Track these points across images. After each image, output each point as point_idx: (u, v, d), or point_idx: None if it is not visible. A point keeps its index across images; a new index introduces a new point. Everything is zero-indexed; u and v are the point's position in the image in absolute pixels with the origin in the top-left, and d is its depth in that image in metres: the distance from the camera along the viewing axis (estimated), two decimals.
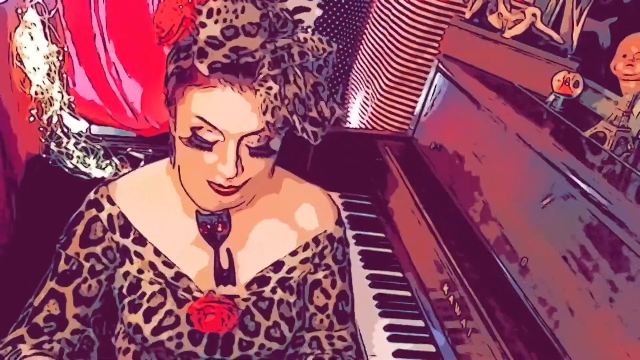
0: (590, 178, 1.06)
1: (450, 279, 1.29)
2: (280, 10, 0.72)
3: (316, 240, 0.94)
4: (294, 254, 0.93)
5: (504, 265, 1.24)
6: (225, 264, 0.89)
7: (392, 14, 2.12)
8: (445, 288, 1.30)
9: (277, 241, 0.92)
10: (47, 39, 1.74)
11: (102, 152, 1.95)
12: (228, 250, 0.89)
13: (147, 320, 0.86)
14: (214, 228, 0.88)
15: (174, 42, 0.73)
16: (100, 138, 2.00)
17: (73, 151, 1.89)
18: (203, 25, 0.69)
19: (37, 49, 1.70)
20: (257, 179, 0.79)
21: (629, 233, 0.94)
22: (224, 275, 0.88)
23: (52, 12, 1.76)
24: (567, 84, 1.39)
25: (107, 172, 1.91)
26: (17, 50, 1.64)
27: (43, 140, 1.83)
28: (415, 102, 1.89)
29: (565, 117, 1.36)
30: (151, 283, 0.87)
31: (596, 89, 1.43)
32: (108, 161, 1.94)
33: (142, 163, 1.97)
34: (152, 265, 0.88)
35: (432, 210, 1.48)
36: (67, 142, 1.89)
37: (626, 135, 1.20)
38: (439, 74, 1.69)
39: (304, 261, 0.93)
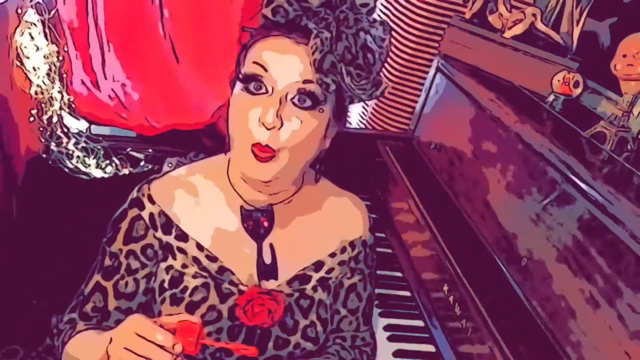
0: (590, 178, 1.06)
1: (450, 279, 1.29)
2: None
3: (352, 245, 0.99)
4: (332, 255, 0.96)
5: (504, 265, 1.24)
6: (267, 259, 0.91)
7: (392, 14, 2.12)
8: (445, 288, 1.30)
9: (318, 242, 0.96)
10: (47, 39, 1.74)
11: (102, 152, 1.95)
12: (271, 246, 0.92)
13: (189, 313, 0.87)
14: (257, 223, 0.91)
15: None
16: (100, 138, 2.00)
17: (73, 151, 1.89)
18: None
19: (37, 49, 1.71)
20: (293, 151, 0.81)
21: (629, 233, 0.94)
22: (267, 270, 0.91)
23: (52, 12, 1.76)
24: (567, 84, 1.40)
25: (107, 172, 1.91)
26: (17, 50, 1.64)
27: (43, 140, 1.83)
28: (415, 102, 1.89)
29: (565, 117, 1.36)
30: (194, 277, 0.89)
31: (596, 89, 1.43)
32: (108, 161, 1.94)
33: (142, 163, 1.98)
34: (195, 260, 0.90)
35: (432, 210, 1.48)
36: (67, 142, 1.89)
37: (626, 135, 1.20)
38: (439, 74, 1.69)
39: (341, 263, 0.97)
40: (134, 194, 0.92)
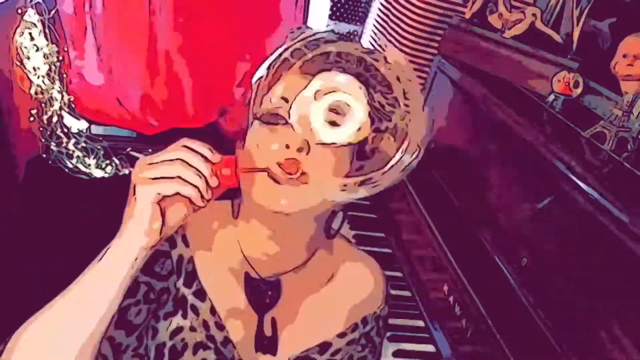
0: (590, 178, 1.06)
1: (450, 279, 1.29)
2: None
3: (364, 321, 0.90)
4: (341, 335, 0.88)
5: (504, 265, 1.24)
6: (268, 332, 0.84)
7: (392, 14, 2.12)
8: (445, 288, 1.30)
9: (326, 320, 0.88)
10: (47, 39, 1.74)
11: (102, 152, 1.95)
12: (273, 320, 0.84)
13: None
14: (261, 296, 0.83)
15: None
16: (100, 138, 2.00)
17: (73, 151, 1.89)
18: (288, 46, 0.74)
19: (37, 49, 1.71)
20: (318, 179, 0.72)
21: (629, 233, 0.94)
22: (266, 344, 0.83)
23: (52, 12, 1.76)
24: (567, 84, 1.39)
25: (107, 172, 1.91)
26: (17, 50, 1.64)
27: (43, 140, 1.84)
28: None
29: (565, 117, 1.36)
30: (199, 346, 0.80)
31: (596, 89, 1.43)
32: (108, 161, 1.94)
33: None
34: (205, 325, 0.81)
35: (432, 210, 1.48)
36: (67, 142, 1.89)
37: (626, 135, 1.20)
38: (439, 74, 1.69)
39: (350, 343, 0.89)
40: None
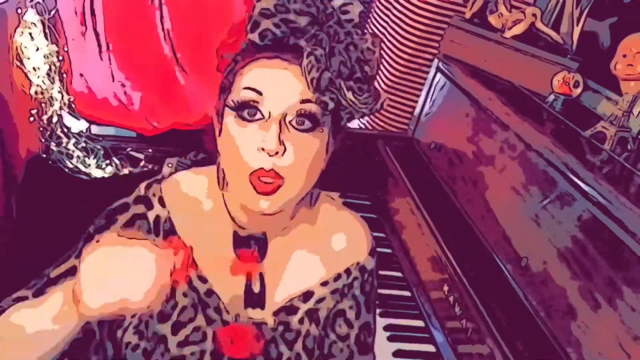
0: (590, 178, 1.06)
1: (450, 279, 1.29)
2: (327, 3, 0.76)
3: (347, 271, 0.92)
4: (324, 284, 0.90)
5: (504, 265, 1.24)
6: (256, 288, 0.86)
7: (392, 14, 2.12)
8: (445, 288, 1.30)
9: (309, 270, 0.90)
10: (47, 39, 1.74)
11: (102, 152, 1.95)
12: (261, 275, 0.87)
13: (174, 332, 0.84)
14: (249, 251, 0.86)
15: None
16: (100, 138, 2.00)
17: (73, 151, 1.89)
18: (259, 0, 0.73)
19: (37, 49, 1.71)
20: (296, 179, 0.76)
21: (629, 233, 0.94)
22: (254, 299, 0.86)
23: (52, 12, 1.76)
24: (567, 84, 1.40)
25: (107, 172, 1.91)
26: (17, 50, 1.64)
27: (43, 140, 1.83)
28: (415, 102, 1.89)
29: (565, 117, 1.36)
30: (184, 295, 0.84)
31: (596, 89, 1.43)
32: (108, 161, 1.94)
33: (142, 163, 1.97)
34: (187, 279, 0.84)
35: (432, 210, 1.48)
36: (67, 142, 1.89)
37: (626, 135, 1.20)
38: (439, 74, 1.69)
39: (334, 292, 0.91)
40: (142, 190, 0.86)
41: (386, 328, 1.37)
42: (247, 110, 0.74)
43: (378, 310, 1.41)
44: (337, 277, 0.91)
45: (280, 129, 0.73)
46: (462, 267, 1.28)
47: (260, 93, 0.73)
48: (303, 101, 0.73)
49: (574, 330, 1.02)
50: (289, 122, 0.74)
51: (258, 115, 0.74)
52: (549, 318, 1.08)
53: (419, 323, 1.41)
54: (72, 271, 0.83)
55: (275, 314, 0.88)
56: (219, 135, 0.79)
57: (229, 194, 0.85)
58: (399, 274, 1.55)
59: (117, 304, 0.65)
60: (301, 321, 0.89)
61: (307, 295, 0.89)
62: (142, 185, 0.87)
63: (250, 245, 0.85)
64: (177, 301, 0.85)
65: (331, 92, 0.73)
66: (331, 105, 0.74)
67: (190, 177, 0.90)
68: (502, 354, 1.08)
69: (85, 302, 0.65)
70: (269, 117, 0.74)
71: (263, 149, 0.72)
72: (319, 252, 0.91)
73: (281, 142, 0.72)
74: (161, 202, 0.85)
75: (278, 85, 0.74)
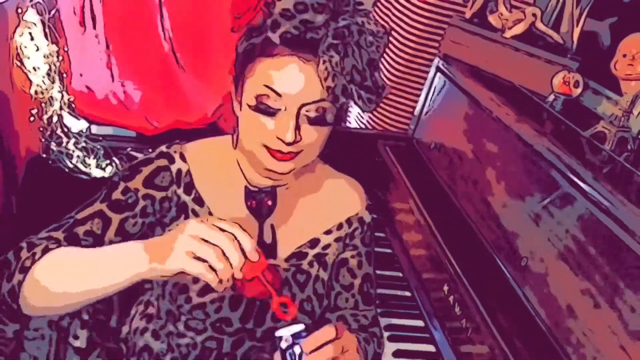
0: (590, 178, 1.06)
1: (450, 279, 1.29)
2: None
3: (348, 221, 1.02)
4: (328, 232, 1.00)
5: (504, 265, 1.24)
6: (268, 239, 0.95)
7: (392, 14, 2.12)
8: (445, 288, 1.30)
9: (314, 220, 1.00)
10: (47, 38, 1.74)
11: (102, 152, 1.95)
12: (272, 226, 0.95)
13: (195, 280, 0.89)
14: (260, 203, 0.94)
15: (247, 24, 0.84)
16: (100, 138, 2.00)
17: (73, 151, 1.89)
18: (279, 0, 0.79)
19: (37, 48, 1.71)
20: (310, 151, 0.86)
21: (629, 233, 0.94)
22: (267, 250, 0.93)
23: (52, 12, 1.76)
24: (567, 83, 1.39)
25: (107, 172, 1.91)
26: (17, 50, 1.64)
27: (43, 140, 1.83)
28: (415, 102, 1.89)
29: (565, 117, 1.36)
30: None
31: (596, 89, 1.43)
32: (108, 161, 1.94)
33: None
34: None
35: (432, 210, 1.48)
36: (67, 142, 1.89)
37: (626, 135, 1.20)
38: (439, 74, 1.69)
39: (337, 240, 1.01)
40: (164, 148, 0.94)
41: (386, 328, 1.37)
42: (265, 105, 0.82)
43: (378, 311, 1.41)
44: (340, 227, 1.01)
45: (297, 123, 0.81)
46: (462, 267, 1.28)
47: (278, 94, 0.80)
48: (318, 100, 0.81)
49: (574, 330, 1.02)
50: (303, 114, 0.82)
51: (272, 111, 0.82)
52: (549, 318, 1.08)
53: (419, 323, 1.41)
54: (99, 214, 0.89)
55: (287, 260, 0.96)
56: (240, 109, 0.87)
57: (241, 154, 0.93)
58: (399, 274, 1.55)
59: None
60: (310, 264, 0.97)
61: (313, 243, 0.99)
62: (162, 146, 0.95)
63: (262, 198, 0.94)
64: None
65: (343, 95, 0.80)
66: (342, 100, 0.82)
67: (208, 141, 0.99)
68: (502, 354, 1.08)
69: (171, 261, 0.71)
70: (285, 110, 0.81)
71: (279, 138, 0.81)
72: (322, 204, 1.01)
73: (298, 134, 0.81)
74: (182, 157, 0.93)
75: (295, 85, 0.80)
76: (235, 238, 0.72)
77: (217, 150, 0.98)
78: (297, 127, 0.81)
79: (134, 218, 0.90)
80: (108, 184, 0.93)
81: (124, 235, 0.90)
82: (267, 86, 0.81)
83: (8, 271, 0.81)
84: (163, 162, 0.92)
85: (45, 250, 0.81)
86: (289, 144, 0.82)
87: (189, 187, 0.93)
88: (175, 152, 0.93)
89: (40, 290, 0.79)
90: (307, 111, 0.82)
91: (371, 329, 1.05)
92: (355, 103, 0.81)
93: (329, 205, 1.01)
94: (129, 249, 0.76)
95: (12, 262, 0.82)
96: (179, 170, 0.92)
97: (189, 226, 0.71)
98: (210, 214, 0.93)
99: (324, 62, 0.77)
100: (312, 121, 0.83)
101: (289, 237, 0.97)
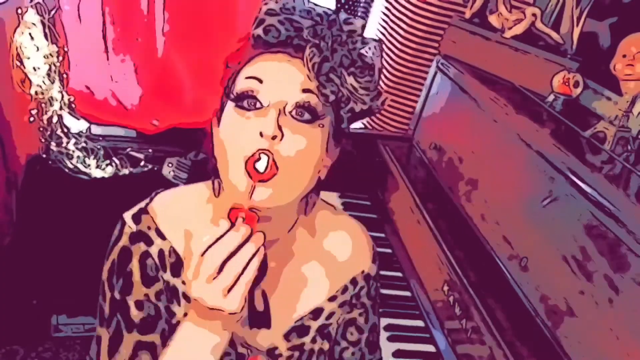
0: (590, 178, 1.06)
1: (450, 279, 1.29)
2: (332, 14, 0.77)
3: (354, 281, 0.91)
4: (332, 298, 0.89)
5: (504, 265, 1.24)
6: (260, 307, 0.83)
7: (392, 14, 2.12)
8: (445, 288, 1.30)
9: (315, 285, 0.88)
10: (47, 39, 1.74)
11: (102, 152, 1.95)
12: (263, 293, 0.83)
13: None
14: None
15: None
16: (100, 138, 2.00)
17: (73, 151, 1.89)
18: (266, 3, 0.75)
19: (37, 49, 1.71)
20: (295, 171, 0.73)
21: (629, 233, 0.94)
22: (259, 319, 0.83)
23: (52, 12, 1.76)
24: (567, 83, 1.39)
25: (107, 172, 1.91)
26: (17, 50, 1.64)
27: (43, 140, 1.83)
28: (415, 102, 1.89)
29: (565, 117, 1.36)
30: None
31: (596, 89, 1.43)
32: (108, 161, 1.94)
33: (142, 163, 1.97)
34: None
35: (432, 211, 1.48)
36: (67, 142, 1.89)
37: (626, 135, 1.20)
38: (439, 74, 1.69)
39: (342, 305, 0.91)
40: (132, 226, 0.80)
41: (386, 328, 1.37)
42: (247, 100, 0.73)
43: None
44: (344, 290, 0.90)
45: (279, 115, 0.71)
46: (462, 267, 1.28)
47: (260, 81, 0.73)
48: (304, 91, 0.73)
49: (574, 330, 1.02)
50: (289, 112, 0.73)
51: (257, 105, 0.73)
52: (549, 318, 1.08)
53: (419, 323, 1.41)
54: (142, 346, 0.80)
55: (286, 336, 0.86)
56: (217, 126, 0.77)
57: (224, 200, 0.81)
58: (399, 274, 1.55)
59: None
60: (313, 340, 0.88)
61: (316, 313, 0.88)
62: (128, 219, 0.81)
63: None
64: None
65: (332, 83, 0.73)
66: (332, 97, 0.73)
67: (178, 196, 0.86)
68: (502, 354, 1.08)
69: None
70: (268, 105, 0.72)
71: (261, 134, 0.70)
72: (322, 265, 0.88)
73: (279, 128, 0.70)
74: (159, 234, 0.80)
75: (279, 74, 0.73)
76: None
77: (194, 201, 0.85)
78: (279, 125, 0.70)
79: (167, 324, 0.82)
80: (113, 306, 0.80)
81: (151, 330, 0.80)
82: (248, 77, 0.74)
83: None
84: (140, 247, 0.79)
85: None
86: (271, 139, 0.70)
87: (177, 267, 0.80)
88: (148, 228, 0.80)
89: None
90: (291, 109, 0.73)
91: None
92: (346, 85, 0.74)
93: (331, 265, 0.89)
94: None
95: None
96: (161, 252, 0.80)
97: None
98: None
99: (311, 45, 0.72)
100: (297, 116, 0.73)
101: (286, 306, 0.86)
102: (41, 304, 1.73)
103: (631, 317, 0.92)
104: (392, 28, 2.11)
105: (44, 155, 1.84)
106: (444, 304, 1.31)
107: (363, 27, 0.79)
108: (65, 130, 1.90)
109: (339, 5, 2.21)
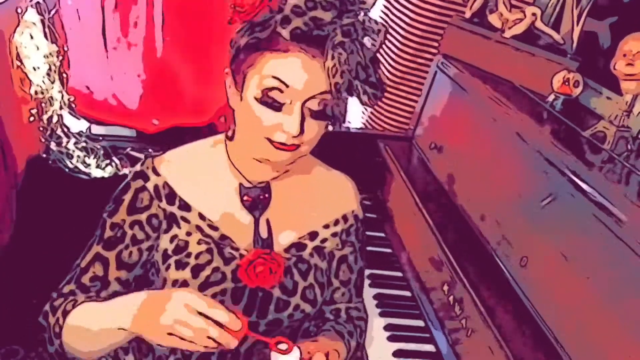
0: (590, 178, 1.06)
1: (450, 279, 1.29)
2: None
3: (344, 217, 1.04)
4: (326, 226, 1.01)
5: (504, 265, 1.24)
6: (264, 234, 0.96)
7: (392, 14, 2.12)
8: (445, 288, 1.30)
9: (312, 214, 1.01)
10: (47, 38, 1.74)
11: (102, 152, 1.95)
12: (267, 221, 0.96)
13: (194, 276, 0.91)
14: (256, 198, 0.95)
15: (249, 19, 0.84)
16: (100, 138, 2.00)
17: (73, 151, 1.89)
18: None
19: (37, 48, 1.71)
20: (309, 144, 0.87)
21: (629, 233, 0.94)
22: (263, 244, 0.95)
23: (52, 12, 1.76)
24: (567, 83, 1.40)
25: (107, 172, 1.91)
26: (17, 50, 1.64)
27: (43, 140, 1.83)
28: (415, 102, 1.89)
29: (565, 117, 1.36)
30: (199, 243, 0.93)
31: (596, 89, 1.43)
32: (108, 161, 1.94)
33: None
34: (199, 228, 0.93)
35: (432, 210, 1.48)
36: (67, 142, 1.89)
37: (626, 135, 1.20)
38: (439, 74, 1.69)
39: (334, 235, 1.02)
40: (137, 167, 0.95)
41: (386, 328, 1.37)
42: (272, 100, 0.82)
43: (378, 310, 1.41)
44: (336, 222, 1.03)
45: (302, 116, 0.82)
46: (462, 267, 1.28)
47: (286, 85, 0.81)
48: (323, 92, 0.82)
49: (574, 330, 1.02)
50: (307, 108, 0.83)
51: (280, 102, 0.82)
52: (549, 318, 1.08)
53: (419, 323, 1.41)
54: (97, 257, 0.94)
55: (286, 250, 0.97)
56: (240, 100, 0.87)
57: (236, 150, 0.94)
58: (399, 274, 1.55)
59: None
60: (311, 254, 0.99)
61: (312, 235, 1.00)
62: (138, 164, 0.96)
63: (257, 193, 0.95)
64: (191, 250, 0.93)
65: (349, 92, 0.82)
66: (345, 95, 0.82)
67: (182, 148, 1.00)
68: (502, 354, 1.08)
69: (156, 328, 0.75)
70: (291, 104, 0.82)
71: (284, 131, 0.82)
72: (318, 199, 1.02)
73: (302, 127, 0.82)
74: (155, 171, 0.94)
75: (303, 78, 0.81)
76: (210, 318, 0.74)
77: (196, 153, 0.99)
78: (302, 121, 0.83)
79: (127, 249, 0.93)
80: (100, 223, 0.95)
81: (126, 267, 0.94)
82: (275, 78, 0.82)
83: (47, 336, 0.92)
84: (139, 183, 0.94)
85: (65, 314, 0.89)
86: (293, 137, 0.83)
87: (171, 197, 0.93)
88: (147, 168, 0.94)
89: (76, 350, 0.90)
90: (310, 105, 0.83)
91: (358, 321, 1.08)
92: (359, 98, 0.82)
93: (325, 200, 1.03)
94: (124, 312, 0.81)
95: (45, 326, 0.92)
96: (156, 186, 0.93)
97: (172, 306, 0.74)
98: (201, 215, 0.94)
99: (332, 58, 0.79)
100: (313, 115, 0.84)
101: (286, 230, 0.98)
102: (41, 304, 1.73)
103: (631, 317, 0.92)
104: (392, 28, 2.11)
105: (44, 155, 1.83)
106: (444, 304, 1.31)
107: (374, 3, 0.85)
108: (65, 130, 1.90)
109: None
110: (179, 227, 0.93)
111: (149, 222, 0.93)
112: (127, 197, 0.93)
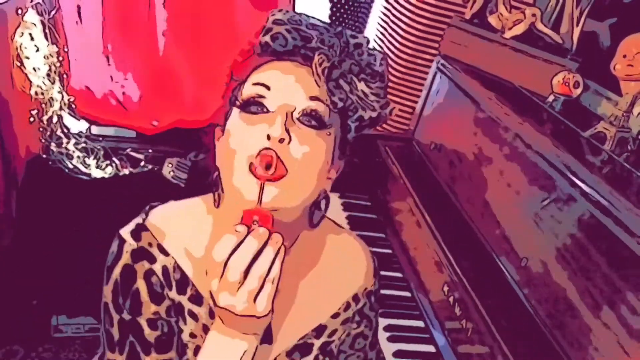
0: (590, 178, 1.06)
1: (450, 279, 1.29)
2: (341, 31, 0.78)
3: (356, 298, 0.91)
4: (335, 316, 0.88)
5: (504, 265, 1.24)
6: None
7: (392, 14, 2.12)
8: (445, 288, 1.30)
9: (318, 302, 0.87)
10: (47, 39, 1.74)
11: (102, 152, 1.95)
12: None
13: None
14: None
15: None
16: (100, 138, 2.01)
17: (73, 151, 1.89)
18: (273, 14, 0.76)
19: (37, 49, 1.71)
20: (301, 174, 0.72)
21: (629, 233, 0.94)
22: (261, 343, 0.79)
23: (52, 13, 1.76)
24: (567, 84, 1.40)
25: (107, 173, 1.91)
26: (17, 50, 1.64)
27: (43, 140, 1.84)
28: (415, 102, 1.89)
29: (565, 117, 1.36)
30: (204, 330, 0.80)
31: (596, 89, 1.44)
32: (108, 161, 1.94)
33: (142, 163, 1.98)
34: (205, 330, 0.79)
35: (432, 210, 1.48)
36: (67, 143, 1.89)
37: (626, 136, 1.20)
38: (439, 74, 1.69)
39: (344, 322, 0.90)
40: (131, 243, 0.77)
41: (386, 328, 1.37)
42: (254, 106, 0.73)
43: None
44: (347, 307, 0.90)
45: (286, 120, 0.70)
46: (462, 267, 1.28)
47: (268, 87, 0.73)
48: (311, 98, 0.73)
49: (574, 330, 1.02)
50: (296, 118, 0.72)
51: (264, 110, 0.73)
52: (549, 318, 1.08)
53: (419, 323, 1.41)
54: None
55: (289, 354, 0.85)
56: (221, 134, 0.76)
57: (225, 210, 0.79)
58: (399, 274, 1.55)
59: None
60: (316, 358, 0.87)
61: (319, 331, 0.87)
62: (127, 236, 0.78)
63: None
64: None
65: (341, 90, 0.73)
66: (340, 104, 0.73)
67: (175, 210, 0.84)
68: (502, 354, 1.08)
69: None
70: (275, 110, 0.72)
71: (269, 137, 0.70)
72: (325, 282, 0.88)
73: (287, 131, 0.70)
74: (162, 250, 0.78)
75: (286, 80, 0.73)
76: None
77: (194, 213, 0.83)
78: (287, 128, 0.70)
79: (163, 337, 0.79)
80: (122, 328, 0.78)
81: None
82: (256, 83, 0.73)
83: None
84: (144, 265, 0.77)
85: None
86: (278, 142, 0.70)
87: (183, 284, 0.78)
88: (150, 245, 0.77)
89: None
90: (298, 116, 0.72)
91: None
92: (357, 92, 0.74)
93: (333, 282, 0.88)
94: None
95: None
96: (165, 269, 0.78)
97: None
98: (211, 312, 0.79)
99: (320, 52, 0.72)
100: (304, 122, 0.72)
101: (289, 323, 0.84)
102: (41, 304, 1.73)
103: (631, 317, 0.92)
104: (391, 28, 2.11)
105: (44, 156, 1.84)
106: (444, 304, 1.31)
107: (368, 42, 0.78)
108: (65, 130, 1.90)
109: (339, 6, 2.21)
110: (185, 323, 0.80)
111: (168, 312, 0.79)
112: (142, 287, 0.77)
